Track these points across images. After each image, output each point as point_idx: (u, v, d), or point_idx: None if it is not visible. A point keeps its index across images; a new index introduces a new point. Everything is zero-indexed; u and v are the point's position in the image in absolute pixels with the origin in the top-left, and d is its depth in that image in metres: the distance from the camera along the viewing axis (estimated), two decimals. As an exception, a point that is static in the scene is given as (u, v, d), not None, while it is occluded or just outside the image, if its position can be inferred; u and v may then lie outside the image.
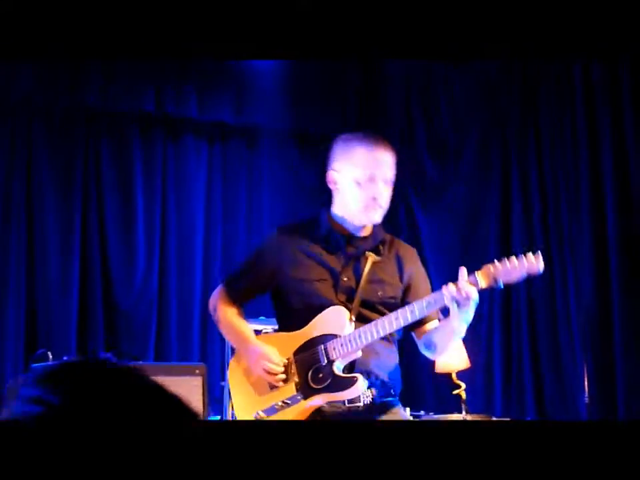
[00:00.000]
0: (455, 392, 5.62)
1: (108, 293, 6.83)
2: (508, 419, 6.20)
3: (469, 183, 7.10)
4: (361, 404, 3.26)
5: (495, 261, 3.09)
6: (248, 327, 3.53)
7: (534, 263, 3.07)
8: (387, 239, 3.44)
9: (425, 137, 7.41)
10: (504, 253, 6.55)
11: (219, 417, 5.85)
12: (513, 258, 3.08)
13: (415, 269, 3.45)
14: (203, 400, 5.37)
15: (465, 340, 6.19)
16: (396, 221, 7.40)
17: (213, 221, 7.28)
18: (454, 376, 5.69)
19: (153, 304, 6.96)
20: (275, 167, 7.38)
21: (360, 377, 3.22)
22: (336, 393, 3.23)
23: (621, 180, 6.08)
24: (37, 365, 5.42)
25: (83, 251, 6.77)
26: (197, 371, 5.38)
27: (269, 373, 3.31)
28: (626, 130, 6.07)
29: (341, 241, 3.39)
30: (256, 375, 3.37)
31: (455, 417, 5.70)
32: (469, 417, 5.58)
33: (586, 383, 5.77)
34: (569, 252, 6.35)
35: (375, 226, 3.42)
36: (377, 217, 3.36)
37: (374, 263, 3.35)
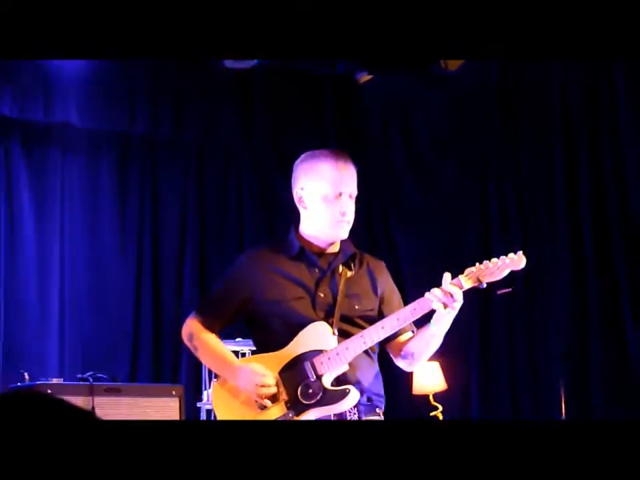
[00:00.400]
0: (432, 414, 5.60)
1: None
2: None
3: (448, 203, 7.07)
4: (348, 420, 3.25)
5: (477, 263, 3.18)
6: (229, 352, 3.52)
7: (516, 259, 3.18)
8: (356, 254, 3.46)
9: (403, 155, 7.38)
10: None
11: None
12: (495, 259, 3.18)
13: (387, 282, 3.49)
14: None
15: (442, 362, 6.30)
16: (374, 240, 7.39)
17: (190, 237, 7.23)
18: (431, 398, 5.66)
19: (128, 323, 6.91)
20: (254, 186, 7.36)
21: (352, 388, 3.22)
22: (329, 406, 3.22)
23: (597, 193, 6.09)
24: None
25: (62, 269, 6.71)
26: (174, 392, 5.34)
27: (262, 386, 3.27)
28: (602, 147, 6.08)
29: (313, 258, 3.40)
30: (244, 397, 3.33)
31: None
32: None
33: (563, 406, 5.75)
34: (549, 274, 6.33)
35: (342, 242, 3.44)
36: (344, 232, 3.39)
37: (348, 278, 3.37)
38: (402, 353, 3.40)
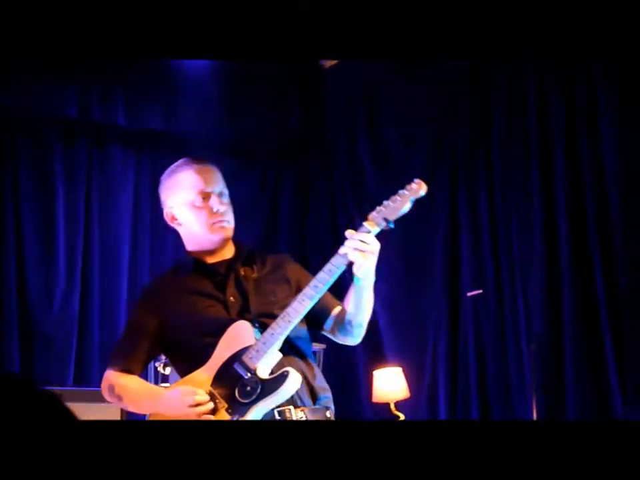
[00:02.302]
0: None
1: (24, 313, 6.40)
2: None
3: (415, 203, 6.80)
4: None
5: (377, 206, 3.09)
6: (154, 386, 3.47)
7: (415, 187, 3.09)
8: (254, 253, 3.38)
9: (369, 153, 7.15)
10: (451, 273, 6.46)
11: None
12: (393, 195, 3.10)
13: (297, 270, 3.39)
14: (120, 430, 4.98)
15: (407, 369, 6.10)
16: (338, 242, 7.14)
17: (141, 236, 6.90)
18: (392, 406, 5.45)
19: (73, 327, 6.54)
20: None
21: (291, 369, 3.07)
22: (272, 395, 3.05)
23: (573, 199, 5.92)
24: None
25: (-2, 269, 6.31)
26: None
27: (196, 405, 3.09)
28: (580, 152, 5.95)
29: (210, 267, 3.31)
30: (184, 417, 3.13)
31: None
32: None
33: (535, 414, 5.56)
34: (519, 275, 6.17)
35: (236, 245, 3.38)
36: (227, 232, 3.32)
37: (254, 278, 3.29)
38: (338, 325, 3.27)
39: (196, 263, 3.31)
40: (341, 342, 3.35)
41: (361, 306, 3.20)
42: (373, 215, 3.07)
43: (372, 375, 5.86)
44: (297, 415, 3.10)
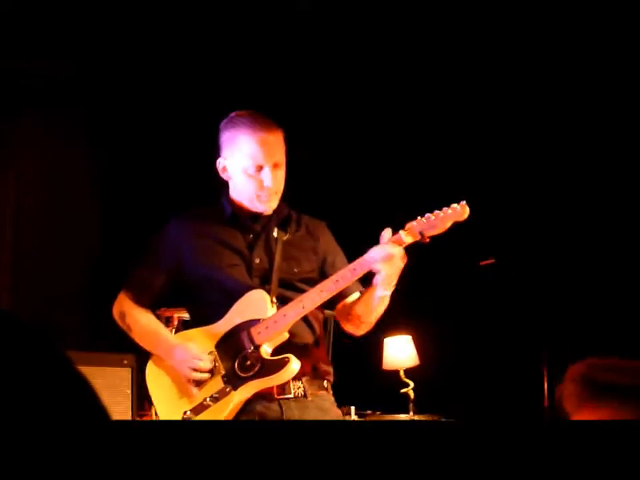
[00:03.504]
0: (403, 391, 5.39)
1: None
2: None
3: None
4: (291, 395, 3.13)
5: (419, 216, 3.06)
6: (164, 328, 3.43)
7: (459, 209, 3.04)
8: (292, 215, 3.37)
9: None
10: (463, 242, 6.46)
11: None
12: (437, 211, 3.04)
13: (328, 242, 3.39)
14: (132, 394, 5.03)
15: (416, 336, 6.10)
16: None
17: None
18: (402, 373, 5.46)
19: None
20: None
21: (292, 357, 3.08)
22: (268, 377, 3.09)
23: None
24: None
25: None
26: (125, 362, 5.10)
27: (195, 370, 3.15)
28: None
29: (246, 222, 3.30)
30: (180, 375, 3.21)
31: (401, 417, 5.44)
32: (416, 418, 5.30)
33: (545, 384, 5.57)
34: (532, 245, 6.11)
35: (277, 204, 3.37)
36: (272, 204, 3.29)
37: (284, 242, 3.28)
38: (347, 315, 3.28)
39: (233, 214, 3.30)
40: (343, 327, 3.37)
41: (374, 310, 3.21)
42: (412, 225, 3.05)
43: (382, 342, 5.88)
44: (294, 385, 3.13)
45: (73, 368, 1.11)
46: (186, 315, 4.48)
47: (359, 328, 3.30)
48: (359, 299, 3.25)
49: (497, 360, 6.37)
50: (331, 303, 3.28)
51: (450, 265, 6.61)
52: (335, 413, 3.23)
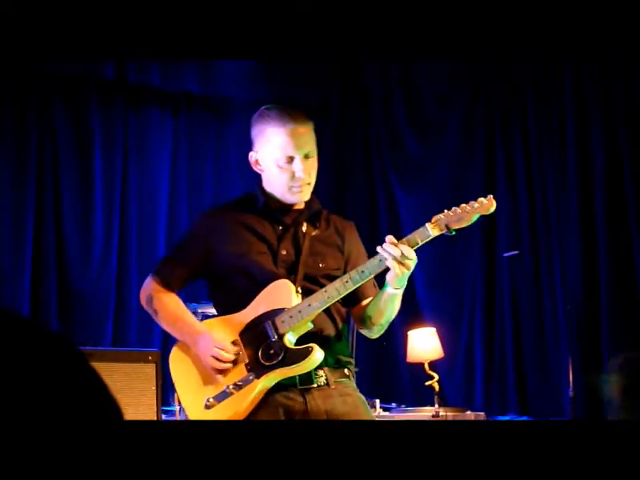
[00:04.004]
0: (428, 383, 5.36)
1: (63, 273, 6.42)
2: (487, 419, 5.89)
3: (451, 161, 6.81)
4: (315, 385, 3.14)
5: (445, 209, 3.05)
6: (190, 314, 3.40)
7: (486, 202, 3.05)
8: (322, 212, 3.38)
9: (405, 112, 7.08)
10: (488, 234, 6.43)
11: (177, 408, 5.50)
12: (463, 204, 3.04)
13: (355, 243, 3.38)
14: (157, 389, 5.05)
15: (443, 329, 6.10)
16: (374, 200, 7.17)
17: (178, 197, 6.89)
18: (426, 366, 5.44)
19: (111, 286, 6.56)
20: (245, 140, 6.98)
21: (315, 346, 3.08)
22: (291, 367, 3.09)
23: (610, 157, 5.88)
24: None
25: (37, 229, 6.33)
26: (150, 358, 5.11)
27: (218, 359, 3.15)
28: (616, 105, 5.86)
29: (277, 213, 3.31)
30: (204, 362, 3.20)
31: (426, 409, 5.42)
32: (441, 410, 5.27)
33: (571, 374, 5.50)
34: (556, 236, 6.12)
35: (309, 198, 3.36)
36: (304, 195, 3.30)
37: (312, 237, 3.30)
38: (361, 317, 3.30)
39: (265, 205, 3.30)
40: (358, 329, 3.39)
41: (386, 311, 3.21)
42: (438, 217, 3.04)
43: (407, 335, 5.88)
44: (317, 374, 3.14)
45: (86, 365, 1.11)
46: (210, 311, 4.48)
47: (371, 330, 3.30)
48: (371, 300, 3.26)
49: (521, 350, 6.35)
50: (348, 305, 3.32)
51: (474, 256, 6.60)
52: (358, 398, 3.24)
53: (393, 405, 5.78)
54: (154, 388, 5.06)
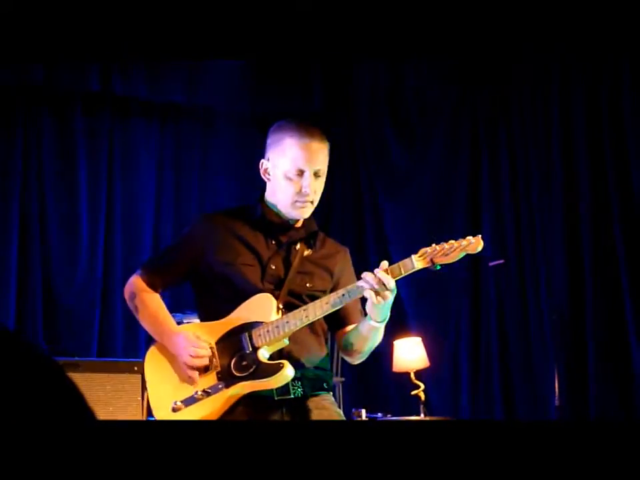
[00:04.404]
0: (414, 392, 5.38)
1: (48, 285, 6.42)
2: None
3: (437, 170, 6.82)
4: (292, 396, 3.16)
5: (433, 243, 3.06)
6: (170, 317, 3.41)
7: (473, 242, 3.06)
8: (319, 235, 3.39)
9: (390, 122, 7.08)
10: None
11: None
12: (452, 240, 3.06)
13: (345, 268, 3.40)
14: (142, 399, 5.05)
15: (429, 338, 6.11)
16: (359, 210, 7.17)
17: (164, 208, 6.88)
18: (412, 375, 5.45)
19: (96, 297, 6.55)
20: (232, 151, 6.99)
21: (286, 363, 3.11)
22: (261, 380, 3.12)
23: (594, 166, 5.88)
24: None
25: (22, 239, 6.33)
26: (136, 368, 5.14)
27: (194, 357, 3.18)
28: (602, 112, 5.86)
29: (273, 227, 3.32)
30: (177, 365, 3.24)
31: (412, 419, 5.43)
32: (427, 419, 5.29)
33: (557, 384, 5.51)
34: (541, 246, 6.14)
35: (306, 219, 3.37)
36: (306, 212, 3.31)
37: (304, 257, 3.30)
38: (344, 342, 3.32)
39: (262, 217, 3.32)
40: (340, 352, 3.41)
41: (368, 341, 3.23)
42: (425, 250, 3.05)
43: (392, 344, 5.89)
44: (294, 386, 3.15)
45: (60, 374, 1.11)
46: (193, 320, 4.49)
47: (353, 357, 3.32)
48: (355, 327, 3.27)
49: (507, 359, 6.36)
50: (332, 329, 3.34)
51: (459, 265, 6.61)
52: (334, 412, 3.25)
53: (379, 414, 5.80)
54: (139, 398, 5.07)
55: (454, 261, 3.05)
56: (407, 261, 3.04)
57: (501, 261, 5.91)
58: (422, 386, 5.39)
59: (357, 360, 3.35)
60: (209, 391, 3.16)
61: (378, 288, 3.01)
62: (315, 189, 3.28)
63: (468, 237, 3.06)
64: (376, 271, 3.03)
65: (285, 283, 3.22)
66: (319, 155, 3.29)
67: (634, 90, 5.68)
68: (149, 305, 3.34)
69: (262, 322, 3.16)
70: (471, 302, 6.55)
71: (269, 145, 3.33)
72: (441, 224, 6.60)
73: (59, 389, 1.08)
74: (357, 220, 7.18)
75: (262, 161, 3.34)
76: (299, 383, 3.17)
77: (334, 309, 3.14)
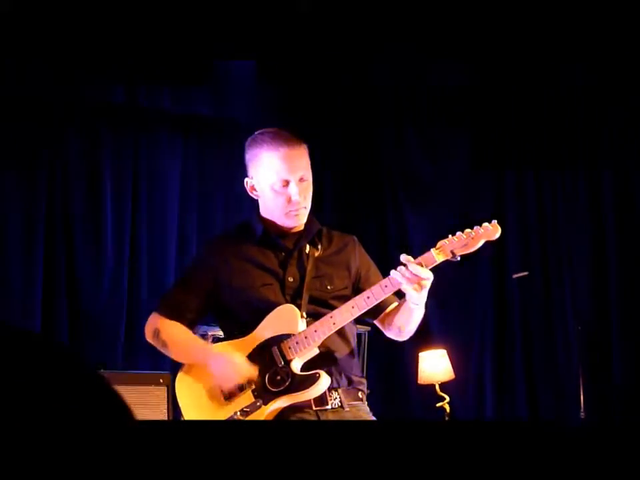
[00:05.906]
0: (439, 404, 5.36)
1: (74, 296, 6.40)
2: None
3: (461, 181, 6.79)
4: (329, 407, 3.15)
5: (450, 235, 3.04)
6: (201, 340, 3.44)
7: (490, 229, 3.04)
8: (322, 231, 3.37)
9: (415, 134, 7.07)
10: (497, 255, 6.43)
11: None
12: (468, 229, 3.03)
13: (360, 257, 3.37)
14: (168, 412, 5.05)
15: (454, 350, 6.09)
16: (384, 221, 7.16)
17: (188, 220, 6.88)
18: (437, 388, 5.43)
19: (122, 308, 6.55)
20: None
21: (322, 373, 3.10)
22: (298, 393, 3.10)
23: (620, 179, 5.84)
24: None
25: (48, 251, 6.32)
26: (162, 380, 5.13)
27: (240, 375, 3.16)
28: (626, 128, 5.82)
29: (277, 240, 3.30)
30: (210, 387, 3.21)
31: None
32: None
33: (582, 395, 5.49)
34: (566, 257, 6.11)
35: (308, 220, 3.36)
36: (301, 218, 3.30)
37: (316, 258, 3.28)
38: (387, 325, 3.29)
39: (264, 233, 3.29)
40: (386, 334, 3.38)
41: (411, 320, 3.21)
42: (443, 243, 3.03)
43: (417, 357, 5.87)
44: (331, 396, 3.14)
45: (101, 380, 1.11)
46: (219, 333, 4.50)
47: (400, 336, 3.31)
48: (396, 308, 3.25)
49: (532, 371, 6.34)
50: (371, 317, 3.30)
51: (484, 277, 6.59)
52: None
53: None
54: (165, 411, 5.06)
55: (474, 249, 3.04)
56: (427, 255, 3.03)
57: (525, 273, 5.89)
58: (447, 398, 5.37)
59: (404, 337, 3.32)
60: (247, 409, 3.12)
61: (415, 283, 3.00)
62: (304, 194, 3.25)
63: (484, 224, 3.04)
64: (409, 265, 3.00)
65: (303, 290, 3.20)
66: (300, 160, 3.26)
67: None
68: (176, 334, 3.29)
69: (290, 334, 3.14)
70: (495, 314, 6.54)
71: (249, 161, 3.31)
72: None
73: (108, 402, 1.09)
74: (380, 230, 7.17)
75: (246, 179, 3.32)
76: (336, 393, 3.15)
77: (362, 312, 3.13)
